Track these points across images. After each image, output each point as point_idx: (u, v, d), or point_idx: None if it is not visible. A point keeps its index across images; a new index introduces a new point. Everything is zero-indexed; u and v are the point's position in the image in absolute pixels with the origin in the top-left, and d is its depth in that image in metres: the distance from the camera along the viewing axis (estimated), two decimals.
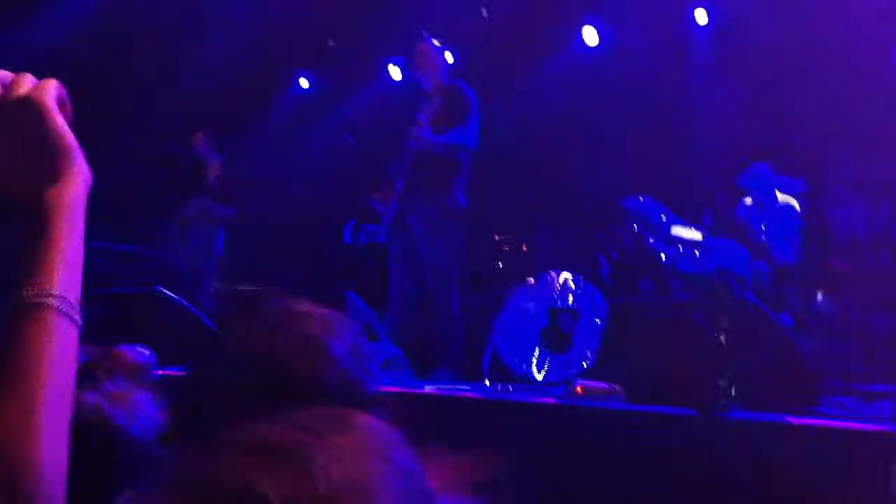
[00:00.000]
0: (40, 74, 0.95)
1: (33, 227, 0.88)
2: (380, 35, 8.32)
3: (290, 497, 0.63)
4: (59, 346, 0.85)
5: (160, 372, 3.92)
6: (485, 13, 7.26)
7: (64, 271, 0.87)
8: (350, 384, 1.21)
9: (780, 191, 5.84)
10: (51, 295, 0.86)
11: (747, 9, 7.27)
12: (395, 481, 0.68)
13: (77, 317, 0.88)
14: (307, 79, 9.61)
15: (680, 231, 5.81)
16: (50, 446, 0.81)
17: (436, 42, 6.17)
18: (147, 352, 4.06)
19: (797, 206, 5.76)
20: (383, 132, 6.30)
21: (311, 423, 0.70)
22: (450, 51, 6.72)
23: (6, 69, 0.94)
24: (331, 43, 8.92)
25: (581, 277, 5.36)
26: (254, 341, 1.23)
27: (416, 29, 6.52)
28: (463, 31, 7.81)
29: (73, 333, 0.88)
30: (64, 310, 0.86)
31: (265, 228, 8.10)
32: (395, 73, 8.70)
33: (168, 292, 5.87)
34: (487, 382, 4.73)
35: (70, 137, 0.93)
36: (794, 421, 3.41)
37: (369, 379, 1.25)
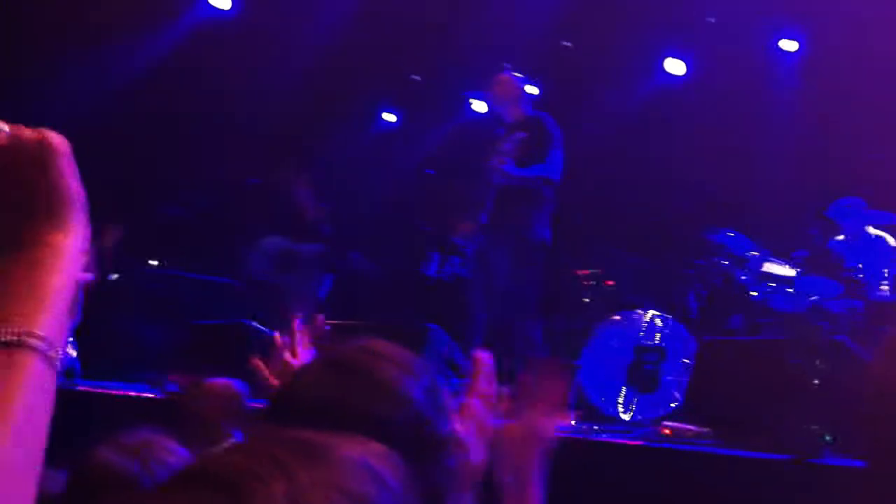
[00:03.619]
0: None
1: (23, 267, 0.85)
2: (463, 68, 8.36)
3: None
4: (32, 388, 0.79)
5: (252, 403, 3.97)
6: (567, 44, 7.24)
7: (51, 315, 0.83)
8: (422, 424, 1.21)
9: (872, 224, 5.65)
10: (31, 335, 0.81)
11: (836, 38, 7.09)
12: None
13: (57, 361, 0.83)
14: (393, 113, 9.72)
15: (772, 267, 5.66)
16: (7, 490, 0.75)
17: (517, 74, 6.15)
18: (239, 383, 4.10)
19: (891, 240, 5.56)
20: (467, 165, 6.30)
21: (277, 452, 0.64)
22: (532, 83, 6.69)
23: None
24: (415, 77, 9.03)
25: (668, 315, 5.26)
26: (322, 382, 1.24)
27: (498, 61, 6.52)
28: (545, 62, 7.80)
29: (50, 376, 0.82)
30: (42, 351, 0.81)
31: (350, 263, 8.17)
32: (479, 106, 8.71)
33: (259, 325, 5.96)
34: (573, 421, 4.66)
35: (77, 189, 0.90)
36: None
37: (443, 419, 1.26)
